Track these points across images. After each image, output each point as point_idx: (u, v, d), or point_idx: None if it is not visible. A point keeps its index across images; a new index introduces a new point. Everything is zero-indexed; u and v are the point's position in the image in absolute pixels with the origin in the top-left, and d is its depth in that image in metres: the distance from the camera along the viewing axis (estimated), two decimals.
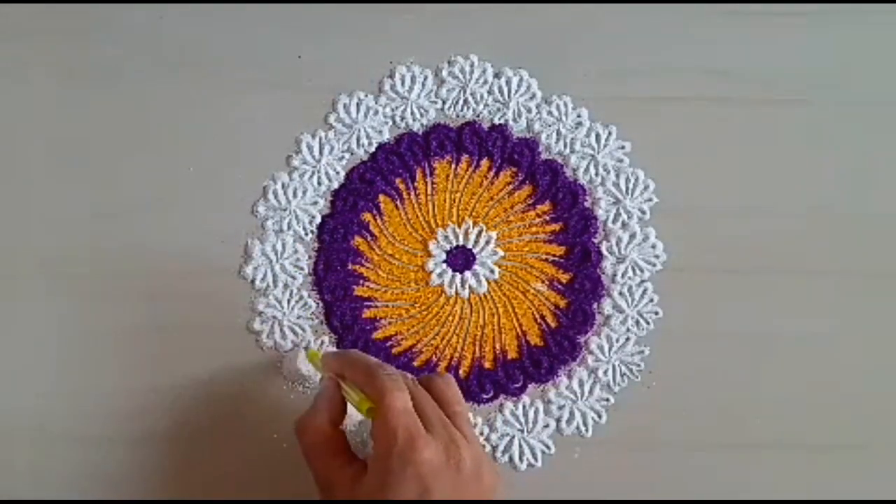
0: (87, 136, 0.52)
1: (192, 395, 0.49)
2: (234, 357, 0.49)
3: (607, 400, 0.49)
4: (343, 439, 0.41)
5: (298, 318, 0.50)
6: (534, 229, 0.52)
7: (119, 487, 0.48)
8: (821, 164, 0.53)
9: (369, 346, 0.49)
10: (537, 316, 0.51)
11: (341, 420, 0.41)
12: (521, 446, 0.49)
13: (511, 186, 0.52)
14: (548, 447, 0.49)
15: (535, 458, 0.48)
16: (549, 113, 0.53)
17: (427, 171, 0.52)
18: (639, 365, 0.50)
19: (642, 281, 0.51)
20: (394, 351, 0.50)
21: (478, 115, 0.53)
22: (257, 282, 0.50)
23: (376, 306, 0.51)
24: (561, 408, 0.49)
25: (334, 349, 0.49)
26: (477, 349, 0.50)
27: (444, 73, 0.53)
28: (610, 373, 0.50)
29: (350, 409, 0.42)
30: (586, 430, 0.49)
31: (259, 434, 0.48)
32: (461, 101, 0.53)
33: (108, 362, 0.49)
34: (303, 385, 0.48)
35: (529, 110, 0.53)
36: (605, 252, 0.51)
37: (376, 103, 0.53)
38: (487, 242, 0.51)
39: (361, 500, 0.38)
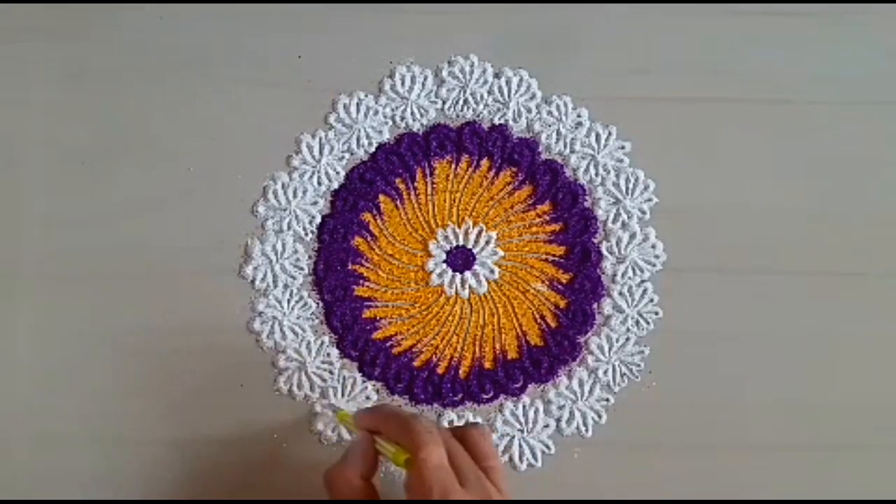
0: (86, 137, 0.52)
1: (192, 395, 0.49)
2: (235, 357, 0.49)
3: (607, 400, 0.49)
4: (374, 493, 0.41)
5: (298, 318, 0.50)
6: (534, 229, 0.52)
7: (119, 487, 0.48)
8: (820, 164, 0.53)
9: (369, 346, 0.50)
10: (537, 316, 0.51)
11: (373, 474, 0.41)
12: (521, 446, 0.49)
13: (511, 186, 0.52)
14: (548, 447, 0.49)
15: (535, 458, 0.48)
16: (549, 113, 0.53)
17: (427, 171, 0.52)
18: (639, 365, 0.50)
19: (642, 281, 0.51)
20: (394, 351, 0.50)
21: (478, 115, 0.53)
22: (257, 282, 0.50)
23: (376, 306, 0.51)
24: (561, 408, 0.49)
25: (365, 407, 0.48)
26: (477, 349, 0.50)
27: (444, 73, 0.53)
28: (610, 373, 0.50)
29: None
30: (586, 430, 0.49)
31: (259, 434, 0.48)
32: (461, 101, 0.53)
33: (107, 363, 0.49)
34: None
35: (529, 110, 0.53)
36: (605, 252, 0.51)
37: (376, 103, 0.53)
38: (487, 242, 0.51)
39: None
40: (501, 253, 0.51)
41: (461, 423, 0.49)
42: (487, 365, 0.50)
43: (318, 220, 0.51)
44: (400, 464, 0.39)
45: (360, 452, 0.41)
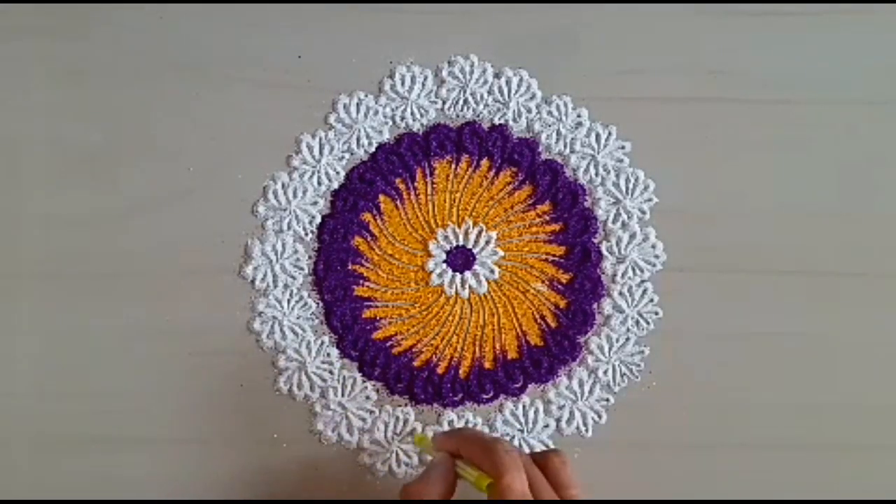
0: (86, 137, 0.52)
1: (192, 395, 0.49)
2: (234, 357, 0.49)
3: (607, 400, 0.49)
4: None
5: (298, 318, 0.50)
6: (534, 229, 0.52)
7: (119, 488, 0.48)
8: (821, 164, 0.53)
9: (369, 346, 0.50)
10: (537, 316, 0.51)
11: (451, 496, 0.41)
12: (520, 446, 0.49)
13: (511, 186, 0.52)
14: (548, 447, 0.49)
15: None
16: (549, 113, 0.53)
17: (427, 171, 0.52)
18: (639, 365, 0.50)
19: (642, 281, 0.51)
20: (394, 351, 0.50)
21: (478, 115, 0.53)
22: (257, 282, 0.50)
23: (376, 306, 0.51)
24: (561, 408, 0.49)
25: (443, 430, 0.48)
26: (477, 349, 0.50)
27: (444, 73, 0.53)
28: (610, 373, 0.50)
29: None
30: (586, 430, 0.49)
31: (259, 434, 0.48)
32: (461, 101, 0.53)
33: (107, 363, 0.49)
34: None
35: (529, 110, 0.53)
36: (605, 252, 0.51)
37: (376, 103, 0.53)
38: (487, 242, 0.51)
39: None
40: (501, 253, 0.51)
41: (461, 423, 0.49)
42: (487, 365, 0.50)
43: (318, 220, 0.51)
44: (482, 489, 0.38)
45: (441, 473, 0.40)
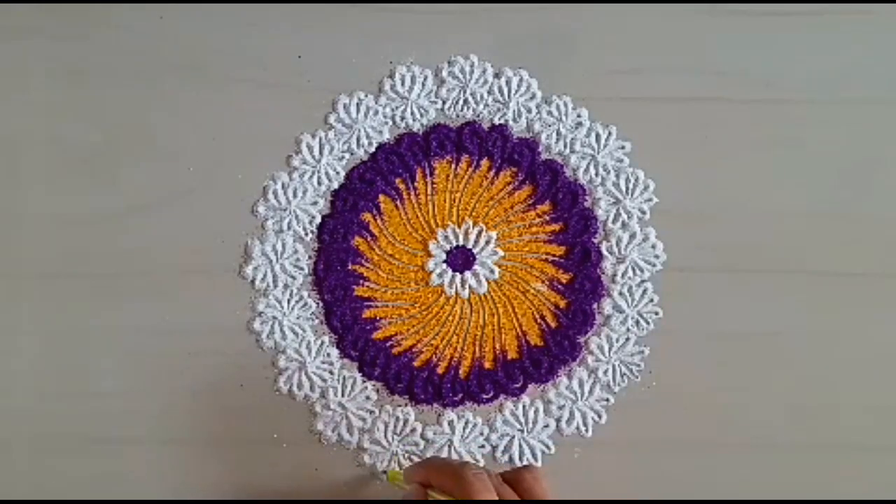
0: (87, 137, 0.52)
1: (193, 395, 0.49)
2: (234, 357, 0.49)
3: (607, 400, 0.49)
4: None
5: (298, 318, 0.50)
6: (534, 229, 0.52)
7: (119, 487, 0.48)
8: (821, 164, 0.53)
9: (369, 346, 0.50)
10: (537, 316, 0.51)
11: None
12: (521, 446, 0.49)
13: (511, 186, 0.52)
14: (548, 447, 0.49)
15: (535, 458, 0.48)
16: (549, 113, 0.53)
17: (427, 171, 0.52)
18: (639, 365, 0.50)
19: (642, 281, 0.51)
20: (394, 351, 0.50)
21: (478, 115, 0.53)
22: (257, 282, 0.50)
23: (376, 306, 0.51)
24: (561, 408, 0.49)
25: (413, 463, 0.47)
26: (477, 349, 0.50)
27: (444, 73, 0.53)
28: (610, 373, 0.50)
29: None
30: (586, 430, 0.49)
31: (259, 434, 0.48)
32: (461, 101, 0.53)
33: (107, 363, 0.49)
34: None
35: (529, 110, 0.53)
36: (605, 252, 0.51)
37: (376, 103, 0.53)
38: (487, 242, 0.51)
39: None
40: (501, 253, 0.51)
41: (460, 423, 0.49)
42: (487, 365, 0.50)
43: (318, 220, 0.51)
44: None
45: None
